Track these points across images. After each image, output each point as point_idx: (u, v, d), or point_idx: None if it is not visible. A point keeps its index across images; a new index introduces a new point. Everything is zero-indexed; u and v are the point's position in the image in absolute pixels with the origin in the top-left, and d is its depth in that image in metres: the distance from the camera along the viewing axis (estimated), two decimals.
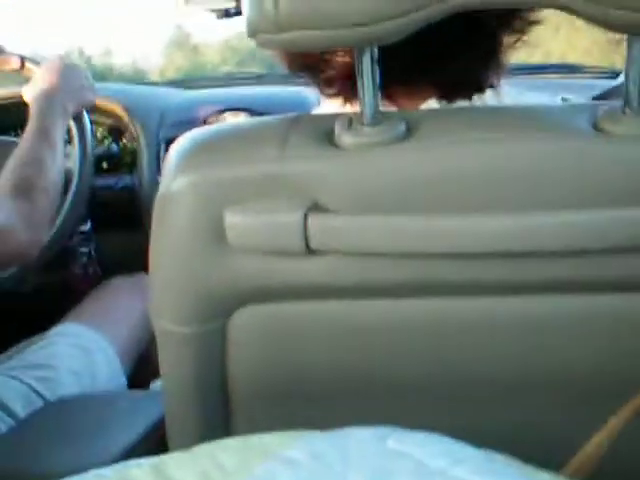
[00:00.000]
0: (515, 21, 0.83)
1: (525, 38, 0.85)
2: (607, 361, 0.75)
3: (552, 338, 0.75)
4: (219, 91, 1.97)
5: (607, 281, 0.71)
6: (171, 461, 0.57)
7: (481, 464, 0.57)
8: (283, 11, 0.63)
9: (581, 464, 0.78)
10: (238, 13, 1.50)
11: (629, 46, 0.66)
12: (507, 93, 0.87)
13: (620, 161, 0.67)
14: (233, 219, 0.70)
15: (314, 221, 0.69)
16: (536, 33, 0.85)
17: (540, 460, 0.59)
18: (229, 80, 2.17)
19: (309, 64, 0.85)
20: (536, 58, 2.04)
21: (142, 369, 1.52)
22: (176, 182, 0.71)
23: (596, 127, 0.69)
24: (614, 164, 0.67)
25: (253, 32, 0.66)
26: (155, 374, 1.13)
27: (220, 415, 0.81)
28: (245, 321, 0.75)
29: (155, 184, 1.61)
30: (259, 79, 2.10)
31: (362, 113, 0.70)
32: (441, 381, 0.77)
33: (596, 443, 0.77)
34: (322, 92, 0.87)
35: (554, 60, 2.17)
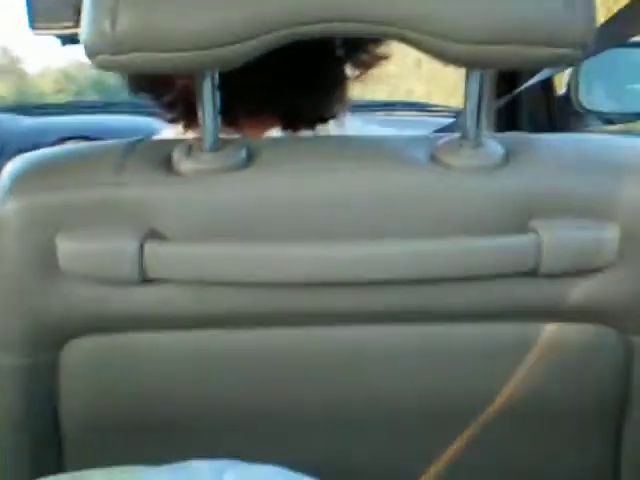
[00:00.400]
0: (361, 54, 0.84)
1: (372, 72, 0.86)
2: (438, 391, 0.76)
3: (387, 368, 0.75)
4: (61, 119, 1.91)
5: (441, 311, 0.72)
6: None
7: None
8: (120, 32, 0.61)
9: None
10: None
11: (467, 79, 0.68)
12: (351, 125, 0.87)
13: (455, 192, 0.68)
14: (65, 245, 0.67)
15: (150, 249, 0.66)
16: (397, 70, 0.86)
17: None
18: (71, 108, 2.11)
19: (150, 87, 0.83)
20: (398, 96, 2.05)
21: None
22: (5, 206, 0.68)
23: (433, 159, 0.69)
24: (450, 195, 0.68)
25: (91, 53, 0.64)
26: None
27: (52, 451, 0.77)
28: (79, 352, 0.72)
29: None
30: (105, 107, 2.06)
31: (202, 139, 0.68)
32: (278, 412, 0.76)
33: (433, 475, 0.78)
34: (163, 117, 0.86)
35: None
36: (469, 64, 0.66)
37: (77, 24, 1.36)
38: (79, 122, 1.85)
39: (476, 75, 0.67)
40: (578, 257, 0.69)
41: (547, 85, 1.71)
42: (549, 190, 0.69)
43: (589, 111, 1.76)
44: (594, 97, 1.79)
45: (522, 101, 1.64)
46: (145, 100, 0.86)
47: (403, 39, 0.64)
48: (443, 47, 0.63)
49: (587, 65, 1.68)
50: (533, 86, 1.48)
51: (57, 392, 0.74)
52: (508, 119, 1.62)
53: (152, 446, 0.75)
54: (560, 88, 1.79)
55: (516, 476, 0.80)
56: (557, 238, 0.68)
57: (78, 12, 1.20)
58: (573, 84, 1.75)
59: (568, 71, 1.73)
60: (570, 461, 0.80)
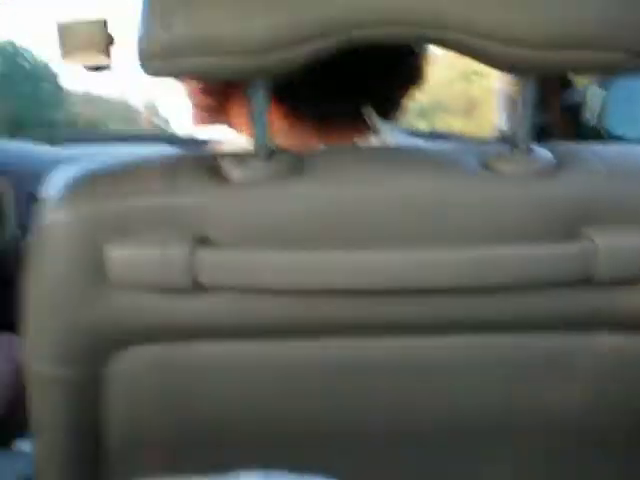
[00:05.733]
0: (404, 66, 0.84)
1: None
2: (495, 403, 0.75)
3: (440, 380, 0.74)
4: (94, 148, 1.89)
5: (491, 320, 0.71)
6: None
7: None
8: (176, 36, 0.61)
9: None
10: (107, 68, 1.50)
11: (522, 88, 0.68)
12: (391, 136, 0.87)
13: (508, 199, 0.68)
14: (114, 253, 0.67)
15: (202, 256, 0.66)
16: None
17: None
18: (102, 137, 2.10)
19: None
20: None
21: (2, 430, 1.43)
22: (54, 215, 0.68)
23: (486, 167, 0.69)
24: (503, 202, 0.68)
25: (144, 58, 0.64)
26: (18, 433, 1.06)
27: (94, 466, 0.76)
28: (128, 364, 0.71)
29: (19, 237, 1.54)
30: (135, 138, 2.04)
31: (253, 147, 0.68)
32: (333, 425, 0.75)
33: None
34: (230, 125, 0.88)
35: None
36: (528, 73, 0.66)
37: (107, 54, 1.40)
38: (111, 152, 1.82)
39: (531, 83, 0.67)
40: (633, 264, 0.68)
41: (574, 111, 1.70)
42: (600, 197, 0.68)
43: (617, 137, 1.75)
44: (618, 122, 1.78)
45: (550, 126, 1.63)
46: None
47: (455, 46, 0.64)
48: (504, 53, 0.62)
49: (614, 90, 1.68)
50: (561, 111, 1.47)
51: (101, 405, 0.73)
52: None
53: (201, 462, 0.74)
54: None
55: None
56: (612, 244, 0.67)
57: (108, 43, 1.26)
58: (599, 109, 1.74)
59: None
60: None
